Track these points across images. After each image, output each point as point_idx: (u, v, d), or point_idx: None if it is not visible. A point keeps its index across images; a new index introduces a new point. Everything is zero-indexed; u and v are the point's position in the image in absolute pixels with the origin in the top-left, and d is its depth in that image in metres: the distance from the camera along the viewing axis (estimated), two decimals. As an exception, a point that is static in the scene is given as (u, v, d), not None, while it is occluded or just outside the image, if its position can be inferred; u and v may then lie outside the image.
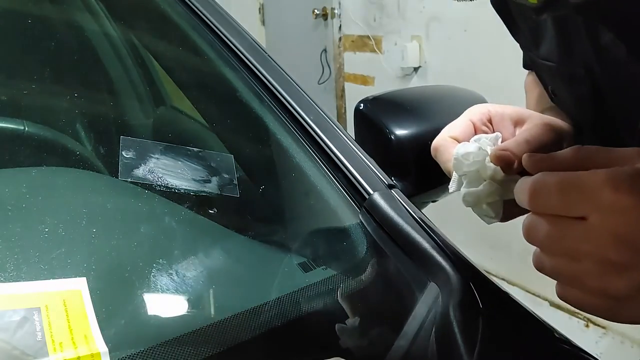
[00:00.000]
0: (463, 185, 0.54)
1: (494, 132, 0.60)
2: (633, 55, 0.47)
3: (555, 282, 0.46)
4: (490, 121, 0.61)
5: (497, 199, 0.53)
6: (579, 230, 0.41)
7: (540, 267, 0.45)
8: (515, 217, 0.55)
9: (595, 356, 0.57)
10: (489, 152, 0.54)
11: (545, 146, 0.52)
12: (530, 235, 0.45)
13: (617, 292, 0.41)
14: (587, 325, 2.27)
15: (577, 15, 0.51)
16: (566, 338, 0.59)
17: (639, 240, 0.39)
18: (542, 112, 0.66)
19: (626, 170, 0.41)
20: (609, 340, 2.21)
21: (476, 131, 0.60)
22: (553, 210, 0.43)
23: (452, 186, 0.56)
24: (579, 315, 2.28)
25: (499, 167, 0.52)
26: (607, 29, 0.49)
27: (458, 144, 0.56)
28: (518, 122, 0.60)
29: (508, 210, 0.54)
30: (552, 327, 0.60)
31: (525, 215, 0.45)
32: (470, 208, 0.55)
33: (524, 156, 0.49)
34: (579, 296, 0.44)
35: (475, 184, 0.53)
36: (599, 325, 2.24)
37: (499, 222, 0.55)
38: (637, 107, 0.48)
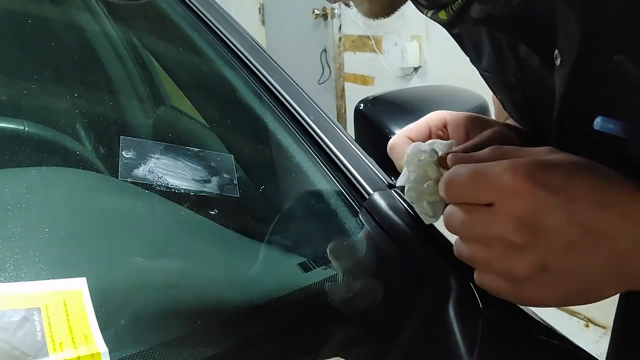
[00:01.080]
0: (409, 181, 0.57)
1: (449, 137, 0.64)
2: (544, 64, 0.50)
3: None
4: (445, 127, 0.65)
5: (438, 199, 0.56)
6: (487, 216, 0.45)
7: (459, 254, 0.49)
8: None
9: (595, 356, 0.57)
10: (440, 154, 0.57)
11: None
12: (448, 223, 0.49)
13: (519, 273, 0.44)
14: (587, 325, 2.27)
15: (487, 29, 0.55)
16: (566, 338, 0.59)
17: (536, 222, 0.43)
18: (506, 119, 0.69)
19: (525, 159, 0.45)
20: (609, 340, 2.21)
21: (431, 135, 0.64)
22: (464, 198, 0.47)
23: (400, 180, 0.60)
24: (579, 315, 2.28)
25: (446, 171, 0.55)
26: (521, 41, 0.52)
27: (413, 143, 0.60)
28: (471, 129, 0.64)
29: None
30: (552, 327, 0.60)
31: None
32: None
33: (449, 156, 0.53)
34: (491, 280, 0.47)
35: (421, 182, 0.56)
36: (598, 325, 2.24)
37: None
38: (551, 112, 0.51)
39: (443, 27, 0.58)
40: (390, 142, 0.65)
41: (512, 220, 0.43)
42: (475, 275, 0.49)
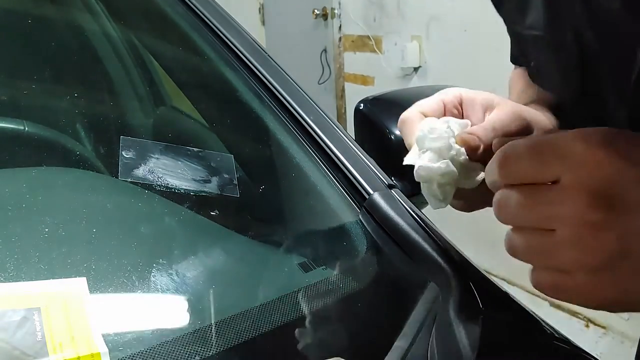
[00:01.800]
0: (419, 158, 0.52)
1: (463, 116, 0.59)
2: (627, 9, 0.45)
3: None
4: (461, 104, 0.60)
5: (450, 182, 0.51)
6: (552, 195, 0.38)
7: (512, 249, 0.42)
8: (479, 208, 0.55)
9: (595, 356, 0.57)
10: (456, 133, 0.52)
11: (512, 133, 0.52)
12: (501, 209, 0.41)
13: (594, 260, 0.37)
14: (587, 325, 2.27)
15: None
16: (566, 338, 0.59)
17: (615, 197, 0.37)
18: (525, 103, 0.66)
19: (597, 128, 0.39)
20: (609, 340, 2.21)
21: (446, 112, 0.59)
22: (524, 176, 0.40)
23: (409, 157, 0.54)
24: (579, 315, 2.28)
25: (462, 149, 0.52)
26: None
27: (426, 118, 0.56)
28: (488, 108, 0.59)
29: (472, 199, 0.53)
30: (552, 327, 0.60)
31: (496, 193, 0.42)
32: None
33: (495, 140, 0.48)
34: (554, 278, 0.40)
35: (433, 161, 0.51)
36: (599, 325, 2.24)
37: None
38: (628, 69, 0.45)
39: None
40: (402, 116, 0.59)
41: (585, 194, 0.37)
42: (532, 276, 0.41)
